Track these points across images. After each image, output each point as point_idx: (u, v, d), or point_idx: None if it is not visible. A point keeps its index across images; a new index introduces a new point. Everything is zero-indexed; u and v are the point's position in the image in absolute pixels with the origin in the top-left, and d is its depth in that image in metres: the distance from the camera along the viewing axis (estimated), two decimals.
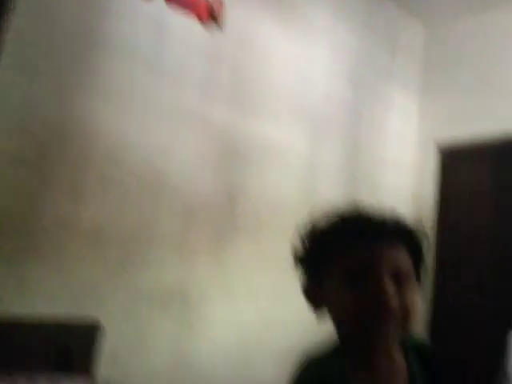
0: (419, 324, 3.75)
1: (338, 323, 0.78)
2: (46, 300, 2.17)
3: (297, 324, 3.12)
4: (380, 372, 0.76)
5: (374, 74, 3.78)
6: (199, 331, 2.72)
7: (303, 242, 0.86)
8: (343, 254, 0.77)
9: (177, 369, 2.61)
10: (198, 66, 2.82)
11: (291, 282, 3.29)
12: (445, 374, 0.81)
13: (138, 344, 2.49)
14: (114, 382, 1.89)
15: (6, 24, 1.85)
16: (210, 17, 2.77)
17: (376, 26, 3.85)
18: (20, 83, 2.17)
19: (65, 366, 1.91)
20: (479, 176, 3.75)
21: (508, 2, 3.68)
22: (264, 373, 2.94)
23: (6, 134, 2.13)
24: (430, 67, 4.10)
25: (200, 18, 2.73)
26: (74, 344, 1.94)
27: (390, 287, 0.72)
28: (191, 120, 2.77)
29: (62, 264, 2.25)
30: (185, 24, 2.71)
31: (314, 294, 0.84)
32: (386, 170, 3.81)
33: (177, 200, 2.68)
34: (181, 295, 2.66)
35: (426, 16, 4.05)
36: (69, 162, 2.31)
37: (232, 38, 2.94)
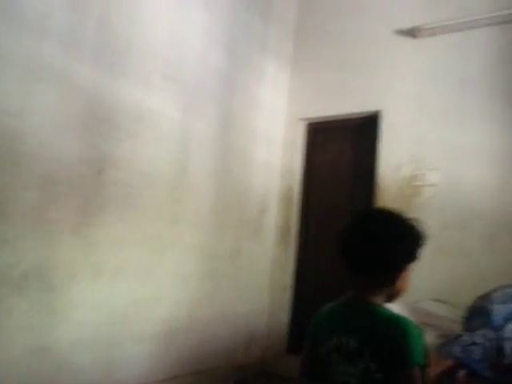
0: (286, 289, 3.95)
1: (401, 291, 1.19)
2: None
3: (165, 301, 3.03)
4: None
5: (248, 43, 3.73)
6: (62, 315, 2.47)
7: (413, 235, 1.21)
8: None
9: (35, 356, 2.35)
10: (58, 15, 2.45)
11: (161, 258, 3.18)
12: None
13: None
14: None
15: None
16: None
17: None
18: None
19: None
20: (341, 150, 4.01)
21: None
22: (131, 354, 2.81)
23: None
24: (300, 41, 4.20)
25: None
26: None
27: None
28: (51, 77, 2.42)
29: None
30: None
31: (395, 279, 1.17)
32: (258, 143, 3.84)
33: (35, 169, 2.34)
34: (41, 277, 2.36)
35: None
36: None
37: None
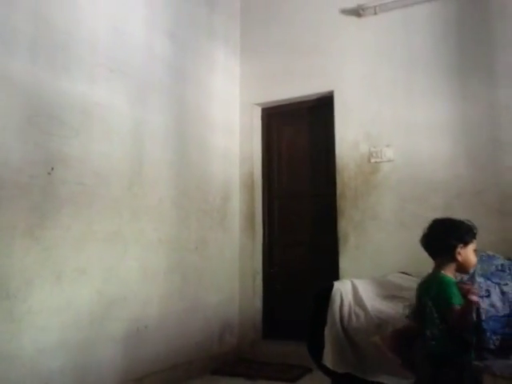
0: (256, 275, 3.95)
1: (466, 263, 1.81)
2: None
3: (133, 299, 2.98)
4: None
5: (194, 31, 3.67)
6: (23, 322, 2.38)
7: (459, 228, 1.83)
8: (474, 239, 1.83)
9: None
10: None
11: (124, 255, 3.09)
12: None
13: None
14: None
15: None
16: None
17: None
18: None
19: None
20: (298, 132, 4.03)
21: None
22: (102, 356, 2.74)
23: None
24: (247, 26, 4.17)
25: None
26: None
27: None
28: None
29: None
30: None
31: (459, 250, 1.78)
32: (215, 131, 3.81)
33: None
34: None
35: None
36: None
37: None
